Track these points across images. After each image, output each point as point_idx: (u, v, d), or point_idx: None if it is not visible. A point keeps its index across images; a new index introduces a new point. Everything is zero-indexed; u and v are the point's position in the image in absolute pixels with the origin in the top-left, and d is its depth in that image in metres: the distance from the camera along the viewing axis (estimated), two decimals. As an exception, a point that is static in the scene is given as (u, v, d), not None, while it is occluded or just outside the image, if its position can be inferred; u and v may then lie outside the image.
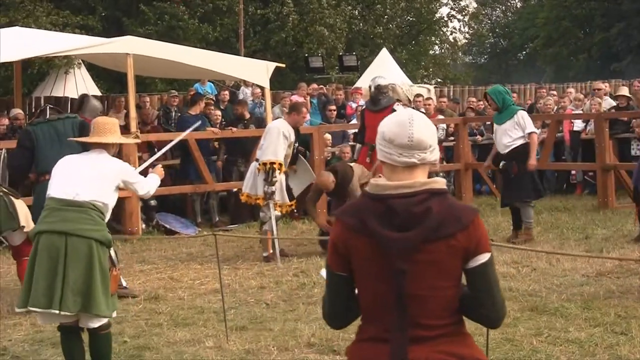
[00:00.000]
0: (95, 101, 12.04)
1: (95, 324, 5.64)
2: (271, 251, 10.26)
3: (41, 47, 11.87)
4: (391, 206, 2.93)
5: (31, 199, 8.58)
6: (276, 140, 10.13)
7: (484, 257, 2.98)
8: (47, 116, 8.50)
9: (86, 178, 5.69)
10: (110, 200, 5.81)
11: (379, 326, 2.97)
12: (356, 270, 3.01)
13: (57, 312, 5.44)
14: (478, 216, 2.99)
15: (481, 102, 16.87)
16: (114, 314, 5.77)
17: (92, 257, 5.45)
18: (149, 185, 6.28)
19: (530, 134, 10.82)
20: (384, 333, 2.94)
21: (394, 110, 11.34)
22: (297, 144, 10.58)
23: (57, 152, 8.32)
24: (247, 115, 14.62)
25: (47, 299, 5.45)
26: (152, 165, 7.58)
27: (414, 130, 2.96)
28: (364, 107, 12.95)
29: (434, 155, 3.02)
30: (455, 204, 2.99)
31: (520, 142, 10.77)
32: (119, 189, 5.95)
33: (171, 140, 13.43)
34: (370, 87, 12.05)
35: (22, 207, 7.99)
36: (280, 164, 10.10)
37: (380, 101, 11.70)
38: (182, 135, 10.35)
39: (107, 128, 5.97)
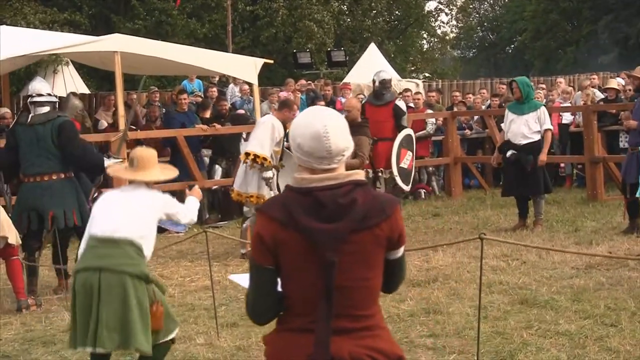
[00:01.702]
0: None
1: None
2: (249, 249, 10.25)
3: (27, 47, 11.80)
4: (318, 198, 2.98)
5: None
6: (264, 134, 10.04)
7: (402, 249, 3.13)
8: (30, 119, 8.48)
9: (125, 214, 5.49)
10: (150, 233, 5.59)
11: (305, 318, 3.01)
12: (284, 264, 3.04)
13: (91, 349, 5.28)
14: (399, 207, 3.10)
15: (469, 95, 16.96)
16: (174, 333, 5.66)
17: (127, 292, 5.26)
18: (191, 212, 6.01)
19: (546, 130, 11.07)
20: (310, 324, 2.99)
21: (396, 106, 11.44)
22: (286, 140, 10.53)
23: (37, 156, 8.40)
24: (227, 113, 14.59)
25: (83, 337, 5.29)
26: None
27: (330, 142, 3.00)
28: (363, 101, 12.78)
29: (350, 150, 3.09)
30: (378, 195, 3.08)
31: (538, 137, 11.05)
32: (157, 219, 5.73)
33: (159, 138, 13.45)
34: (374, 81, 11.97)
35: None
36: (264, 158, 9.95)
37: (384, 96, 11.67)
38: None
39: (152, 162, 5.71)
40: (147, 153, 5.75)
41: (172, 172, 5.87)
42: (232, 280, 8.30)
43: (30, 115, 8.53)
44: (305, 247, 2.97)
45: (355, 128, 10.37)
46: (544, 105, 11.70)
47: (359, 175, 3.05)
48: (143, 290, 5.35)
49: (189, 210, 5.98)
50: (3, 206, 8.74)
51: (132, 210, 5.50)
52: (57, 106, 8.89)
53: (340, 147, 3.02)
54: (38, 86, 8.73)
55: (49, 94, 8.76)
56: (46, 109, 8.56)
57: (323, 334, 2.94)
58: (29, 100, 8.59)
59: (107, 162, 8.91)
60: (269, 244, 3.02)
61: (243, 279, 3.50)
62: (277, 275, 3.07)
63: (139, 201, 5.57)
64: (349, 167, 2.99)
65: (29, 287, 8.45)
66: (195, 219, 6.05)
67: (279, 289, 3.10)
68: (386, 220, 3.02)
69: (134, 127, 13.50)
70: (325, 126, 3.01)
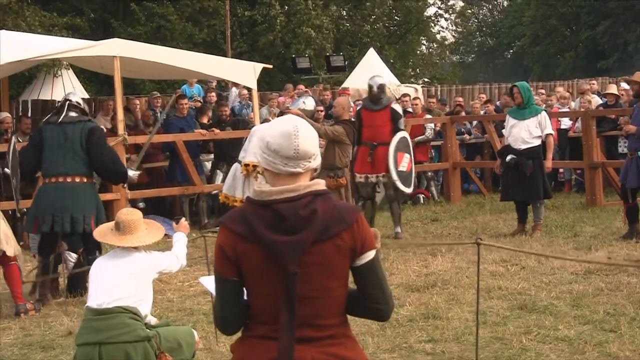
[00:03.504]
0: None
1: None
2: None
3: (27, 51, 11.81)
4: (278, 211, 2.99)
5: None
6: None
7: (370, 254, 3.08)
8: (61, 118, 8.51)
9: (119, 283, 5.43)
10: (147, 295, 5.56)
11: (269, 326, 3.03)
12: (247, 275, 3.06)
13: None
14: (361, 215, 3.10)
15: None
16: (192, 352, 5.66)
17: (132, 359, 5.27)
18: (180, 258, 5.97)
19: (548, 135, 11.10)
20: (273, 332, 3.00)
21: (393, 109, 11.46)
22: None
23: (62, 156, 8.39)
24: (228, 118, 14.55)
25: None
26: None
27: (299, 142, 3.03)
28: (359, 106, 12.75)
29: (317, 161, 3.11)
30: (339, 204, 3.07)
31: (538, 142, 11.08)
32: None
33: (158, 142, 13.43)
34: (371, 86, 11.87)
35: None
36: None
37: (381, 100, 11.66)
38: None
39: (137, 225, 5.64)
40: (132, 216, 5.68)
41: (159, 231, 5.78)
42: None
43: (62, 115, 8.56)
44: (266, 259, 2.99)
45: (339, 122, 10.62)
46: (545, 110, 11.73)
47: (320, 185, 3.06)
48: (147, 349, 5.32)
49: (178, 257, 5.95)
50: (19, 210, 8.86)
51: (126, 278, 5.44)
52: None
53: (307, 150, 3.04)
54: (75, 98, 8.94)
55: (81, 105, 8.89)
56: (76, 114, 8.66)
57: (286, 343, 2.96)
58: (67, 101, 8.66)
59: (130, 173, 9.11)
60: (231, 256, 3.04)
61: (211, 283, 3.49)
62: (241, 286, 3.09)
63: (131, 268, 5.51)
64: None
65: (41, 290, 8.48)
66: (185, 262, 6.02)
67: (246, 298, 3.12)
68: (347, 230, 3.02)
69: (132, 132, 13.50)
70: (296, 126, 3.05)
